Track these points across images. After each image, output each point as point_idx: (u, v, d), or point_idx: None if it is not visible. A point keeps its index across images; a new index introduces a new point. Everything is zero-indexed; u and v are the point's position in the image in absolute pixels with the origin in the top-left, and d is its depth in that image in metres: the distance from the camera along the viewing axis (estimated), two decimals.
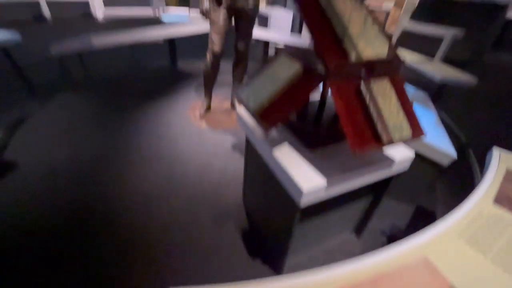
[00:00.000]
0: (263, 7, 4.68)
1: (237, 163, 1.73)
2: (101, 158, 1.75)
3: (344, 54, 0.65)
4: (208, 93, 2.15)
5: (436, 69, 2.10)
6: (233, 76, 2.16)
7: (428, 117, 1.45)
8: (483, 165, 1.08)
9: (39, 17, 5.48)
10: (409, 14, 6.97)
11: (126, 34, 1.99)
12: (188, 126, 2.04)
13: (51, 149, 1.80)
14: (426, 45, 4.34)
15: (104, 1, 6.66)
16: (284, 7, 5.05)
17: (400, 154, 0.91)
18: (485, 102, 2.91)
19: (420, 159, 1.24)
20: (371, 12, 0.72)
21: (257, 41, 3.87)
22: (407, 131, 0.67)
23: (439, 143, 1.21)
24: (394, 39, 4.54)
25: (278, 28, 4.53)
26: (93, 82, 2.68)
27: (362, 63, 0.64)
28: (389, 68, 0.70)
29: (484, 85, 3.49)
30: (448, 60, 4.07)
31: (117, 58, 3.06)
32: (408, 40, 4.56)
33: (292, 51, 0.81)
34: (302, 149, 0.87)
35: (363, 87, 0.64)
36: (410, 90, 1.75)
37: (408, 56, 2.68)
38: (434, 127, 1.38)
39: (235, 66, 2.09)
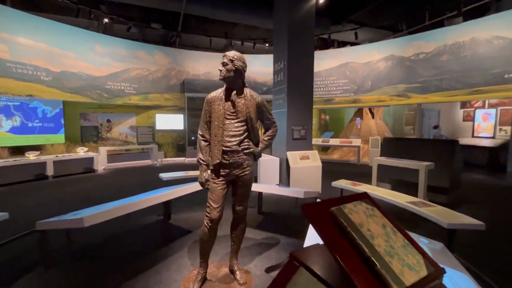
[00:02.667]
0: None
1: None
2: None
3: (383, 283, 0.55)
4: (205, 262, 1.91)
5: (438, 214, 2.10)
6: (232, 238, 2.02)
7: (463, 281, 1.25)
8: None
9: (41, 175, 5.81)
10: (378, 148, 8.16)
11: (121, 206, 1.97)
12: None
13: None
14: (405, 175, 4.77)
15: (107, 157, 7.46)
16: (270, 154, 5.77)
17: None
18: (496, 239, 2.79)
19: None
20: (391, 221, 0.71)
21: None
22: None
23: None
24: (373, 172, 4.96)
25: (267, 175, 4.95)
26: (78, 249, 2.43)
27: None
28: (429, 280, 0.61)
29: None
30: (430, 187, 4.36)
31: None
32: (388, 172, 5.03)
33: (305, 261, 0.73)
34: None
35: None
36: (424, 241, 1.64)
37: (402, 199, 2.78)
38: None
39: (234, 228, 2.00)
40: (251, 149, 1.86)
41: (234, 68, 1.77)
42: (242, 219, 1.98)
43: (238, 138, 1.81)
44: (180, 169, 7.49)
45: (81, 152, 6.83)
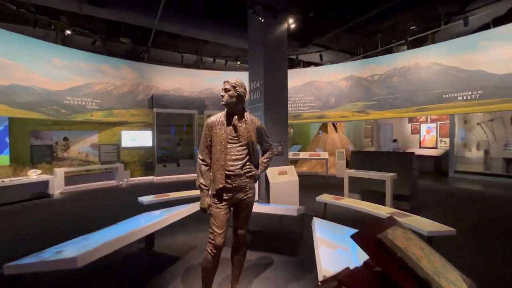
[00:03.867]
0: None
1: None
2: None
3: None
4: None
5: (417, 223, 2.38)
6: (233, 262, 2.00)
7: None
8: None
9: None
10: (343, 160, 8.79)
11: (116, 239, 1.81)
12: None
13: None
14: (371, 185, 5.23)
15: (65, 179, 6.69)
16: None
17: None
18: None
19: None
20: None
21: None
22: None
23: None
24: (345, 183, 5.33)
25: None
26: None
27: None
28: None
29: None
30: (394, 195, 4.85)
31: None
32: (357, 182, 5.45)
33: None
34: None
35: None
36: None
37: (384, 210, 3.05)
38: None
39: (235, 252, 1.99)
40: (253, 172, 1.92)
41: (236, 94, 1.84)
42: (244, 242, 1.99)
43: (240, 162, 1.85)
44: (149, 189, 7.09)
45: (33, 175, 6.04)
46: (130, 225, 2.26)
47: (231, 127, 1.87)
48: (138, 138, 8.60)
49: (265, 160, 2.04)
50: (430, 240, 2.20)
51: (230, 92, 1.83)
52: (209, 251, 1.79)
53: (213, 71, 9.80)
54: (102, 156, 7.96)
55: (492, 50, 6.53)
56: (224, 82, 1.88)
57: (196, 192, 4.09)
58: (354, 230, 2.28)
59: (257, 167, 1.99)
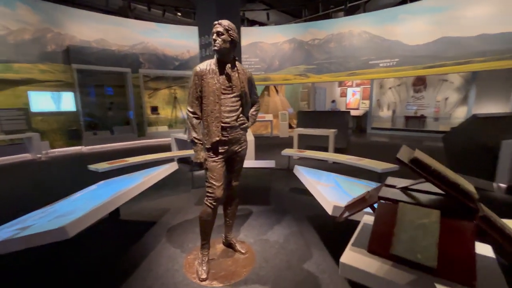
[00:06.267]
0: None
1: None
2: None
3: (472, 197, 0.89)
4: (207, 243, 1.88)
5: (370, 163, 2.89)
6: (226, 214, 2.05)
7: None
8: None
9: None
10: (286, 121, 9.41)
11: (107, 202, 1.51)
12: None
13: None
14: (316, 141, 5.89)
15: None
16: None
17: None
18: None
19: None
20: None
21: None
22: None
23: None
24: (295, 140, 5.83)
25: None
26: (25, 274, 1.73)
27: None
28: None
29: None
30: (335, 149, 5.63)
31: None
32: (303, 139, 6.02)
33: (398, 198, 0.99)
34: None
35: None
36: (367, 184, 2.25)
37: (343, 157, 3.49)
38: None
39: (229, 204, 2.03)
40: (246, 124, 1.90)
41: (230, 39, 1.70)
42: (236, 194, 2.03)
43: (235, 114, 1.80)
44: (79, 160, 6.13)
45: None
46: (103, 191, 1.98)
47: (223, 77, 1.76)
48: (56, 101, 7.01)
49: (254, 113, 2.02)
50: (381, 176, 2.75)
51: (223, 36, 1.67)
52: (209, 204, 1.78)
53: (147, 22, 8.42)
54: (3, 125, 6.24)
55: (408, 23, 7.69)
56: (215, 25, 1.70)
57: (154, 157, 3.80)
58: (330, 173, 2.61)
59: (247, 119, 1.97)
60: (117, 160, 3.20)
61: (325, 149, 5.24)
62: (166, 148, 5.95)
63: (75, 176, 4.69)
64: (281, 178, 4.12)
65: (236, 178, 1.98)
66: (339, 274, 1.10)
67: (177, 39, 8.71)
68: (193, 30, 8.24)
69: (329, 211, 1.66)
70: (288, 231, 2.40)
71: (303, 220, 2.61)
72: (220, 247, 2.13)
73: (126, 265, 1.93)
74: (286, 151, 4.38)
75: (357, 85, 11.37)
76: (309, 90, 11.78)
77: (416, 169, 0.93)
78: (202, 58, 5.33)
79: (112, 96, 8.43)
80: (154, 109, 9.20)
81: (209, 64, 1.76)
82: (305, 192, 3.34)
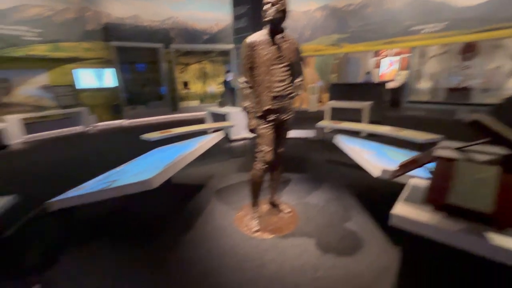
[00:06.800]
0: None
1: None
2: None
3: None
4: (258, 201, 2.10)
5: (411, 135, 2.86)
6: (272, 177, 2.23)
7: None
8: None
9: None
10: (315, 95, 9.21)
11: (169, 168, 1.77)
12: (251, 242, 1.84)
13: None
14: (349, 114, 5.77)
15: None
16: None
17: None
18: None
19: None
20: None
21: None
22: None
23: None
24: (327, 114, 5.76)
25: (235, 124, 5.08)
26: (94, 227, 2.14)
27: None
28: None
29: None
30: (370, 122, 5.49)
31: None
32: (335, 113, 5.92)
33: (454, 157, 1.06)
34: None
35: None
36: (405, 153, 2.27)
37: (382, 128, 3.46)
38: None
39: (275, 168, 2.19)
40: (294, 94, 1.99)
41: (283, 8, 1.74)
42: (281, 159, 2.18)
43: (285, 83, 1.88)
44: (122, 132, 6.66)
45: None
46: (165, 155, 2.26)
47: (274, 47, 1.82)
48: (99, 78, 7.54)
49: (300, 83, 2.09)
50: (421, 146, 2.72)
51: (277, 6, 1.71)
52: (260, 167, 1.95)
53: None
54: (59, 100, 6.93)
55: None
56: None
57: (195, 128, 4.06)
58: (371, 142, 2.66)
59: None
60: (164, 131, 3.49)
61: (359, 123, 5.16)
62: (199, 121, 6.24)
63: (126, 145, 5.21)
64: (315, 150, 4.21)
65: (282, 145, 2.12)
66: (389, 224, 1.22)
67: (205, 11, 8.61)
68: (221, 1, 8.07)
69: (377, 174, 1.75)
70: (327, 196, 2.55)
71: (340, 188, 2.72)
72: (264, 207, 2.35)
73: (184, 218, 2.24)
74: (322, 123, 4.40)
75: (396, 54, 10.55)
76: (340, 62, 11.20)
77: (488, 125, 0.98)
78: (236, 30, 5.31)
79: (146, 72, 8.82)
80: (185, 84, 9.48)
81: (260, 35, 1.83)
82: (341, 163, 3.45)
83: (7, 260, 1.62)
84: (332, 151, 4.12)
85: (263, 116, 1.91)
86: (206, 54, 9.44)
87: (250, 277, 1.56)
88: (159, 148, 2.84)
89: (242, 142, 4.95)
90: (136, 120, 8.06)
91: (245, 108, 1.90)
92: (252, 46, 1.81)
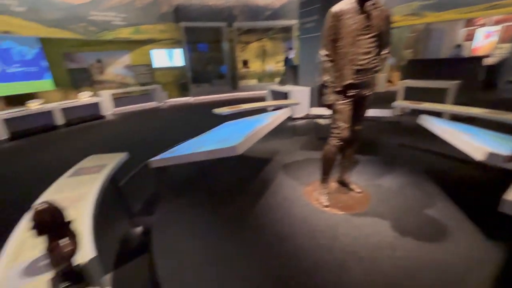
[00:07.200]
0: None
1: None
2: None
3: None
4: (329, 177, 2.09)
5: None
6: (346, 155, 2.17)
7: None
8: None
9: (49, 125, 5.39)
10: (384, 74, 8.28)
11: (251, 136, 1.92)
12: (322, 215, 1.89)
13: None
14: (428, 96, 5.04)
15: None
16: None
17: None
18: None
19: None
20: None
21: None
22: None
23: None
24: (400, 94, 5.17)
25: (300, 102, 5.00)
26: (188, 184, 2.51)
27: None
28: None
29: None
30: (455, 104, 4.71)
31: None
32: (410, 93, 5.25)
33: None
34: None
35: None
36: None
37: (475, 110, 2.96)
38: None
39: (349, 146, 2.11)
40: (379, 67, 1.84)
41: None
42: (358, 137, 2.08)
43: (370, 56, 1.74)
44: (188, 108, 7.26)
45: (84, 97, 6.23)
46: (239, 127, 2.42)
47: (363, 16, 1.68)
48: (170, 57, 8.25)
49: (385, 55, 1.91)
50: None
51: None
52: (334, 144, 1.91)
53: None
54: (138, 78, 7.90)
55: None
56: None
57: (262, 104, 4.17)
58: (464, 124, 2.33)
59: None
60: (232, 106, 3.68)
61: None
62: (259, 99, 6.35)
63: (197, 118, 5.74)
64: (385, 131, 3.91)
65: (359, 122, 2.01)
66: (500, 210, 1.09)
67: None
68: None
69: (480, 157, 1.54)
70: (401, 180, 2.37)
71: (416, 173, 2.49)
72: (334, 185, 2.33)
73: (256, 187, 2.39)
74: (399, 103, 3.99)
75: (496, 23, 8.58)
76: (418, 34, 9.70)
77: None
78: (303, 4, 5.06)
79: (209, 51, 9.23)
80: (245, 63, 9.63)
81: (348, 3, 1.71)
82: (415, 147, 3.12)
83: (120, 204, 2.04)
84: (404, 134, 3.75)
85: (343, 91, 1.83)
86: (266, 32, 9.31)
87: (324, 244, 1.61)
88: (228, 122, 3.02)
89: (304, 120, 4.90)
90: (201, 98, 8.66)
91: (324, 83, 1.85)
92: (338, 16, 1.71)
